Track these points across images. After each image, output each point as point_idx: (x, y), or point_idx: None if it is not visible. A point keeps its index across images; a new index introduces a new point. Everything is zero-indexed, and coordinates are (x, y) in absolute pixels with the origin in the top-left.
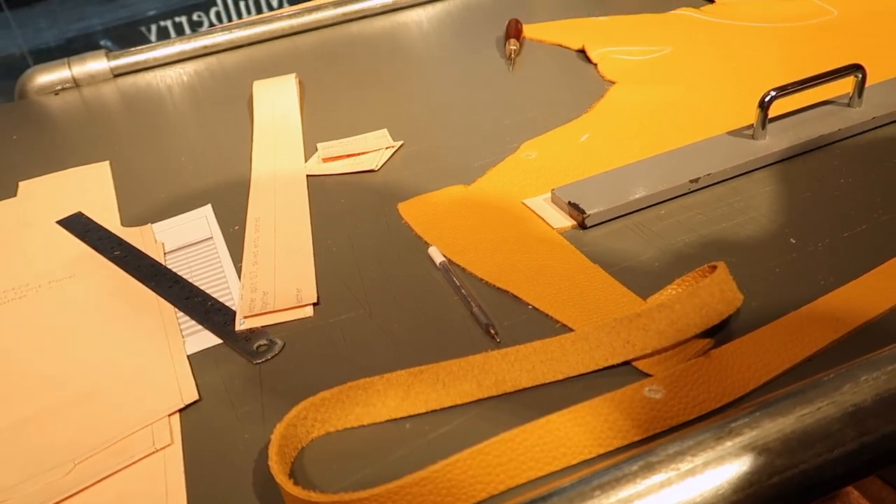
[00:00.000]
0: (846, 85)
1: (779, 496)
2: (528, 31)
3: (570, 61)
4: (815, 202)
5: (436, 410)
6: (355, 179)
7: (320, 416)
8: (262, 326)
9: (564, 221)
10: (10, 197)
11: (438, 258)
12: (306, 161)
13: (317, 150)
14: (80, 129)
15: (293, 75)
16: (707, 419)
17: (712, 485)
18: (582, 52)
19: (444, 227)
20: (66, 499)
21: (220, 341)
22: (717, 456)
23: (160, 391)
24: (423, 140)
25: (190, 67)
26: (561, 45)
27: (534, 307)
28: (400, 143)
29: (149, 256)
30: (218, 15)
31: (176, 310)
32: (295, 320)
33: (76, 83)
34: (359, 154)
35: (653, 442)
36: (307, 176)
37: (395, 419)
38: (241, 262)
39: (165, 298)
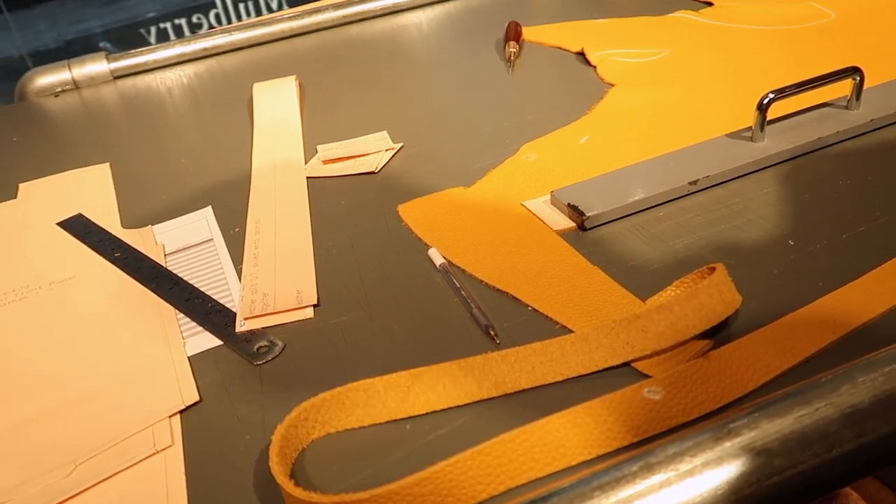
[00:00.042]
0: (844, 87)
1: (777, 496)
2: (528, 33)
3: (570, 64)
4: (814, 204)
5: (436, 411)
6: (355, 181)
7: (321, 417)
8: (263, 328)
9: (564, 223)
10: (10, 199)
11: (438, 260)
12: (306, 163)
13: (317, 151)
14: (81, 130)
15: (293, 77)
16: (706, 420)
17: (711, 485)
18: (581, 54)
19: (443, 228)
20: (67, 500)
21: (220, 343)
22: (715, 456)
23: (161, 392)
24: (423, 142)
25: (190, 69)
26: (560, 48)
27: (533, 308)
28: (400, 144)
29: (149, 258)
30: (217, 17)
31: (176, 311)
32: (295, 322)
33: (76, 85)
34: (359, 156)
35: (652, 443)
36: (307, 178)
37: (396, 420)
38: (242, 263)
39: (166, 300)
